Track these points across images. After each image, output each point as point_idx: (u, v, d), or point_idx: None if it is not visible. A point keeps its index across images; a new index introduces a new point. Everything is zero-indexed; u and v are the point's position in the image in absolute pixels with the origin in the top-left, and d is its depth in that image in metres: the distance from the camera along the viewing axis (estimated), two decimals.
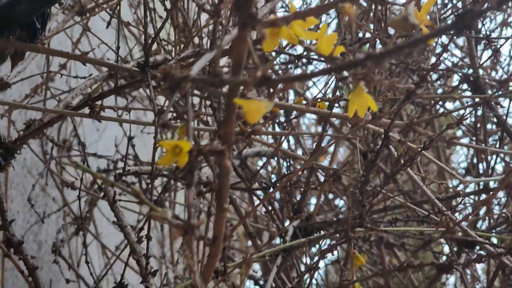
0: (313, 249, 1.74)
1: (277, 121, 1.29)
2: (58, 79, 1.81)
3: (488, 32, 1.64)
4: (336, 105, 1.15)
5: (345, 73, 1.46)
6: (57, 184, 1.80)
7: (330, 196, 1.97)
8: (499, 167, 1.87)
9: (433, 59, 1.36)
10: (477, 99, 1.37)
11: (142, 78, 1.07)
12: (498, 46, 1.30)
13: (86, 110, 1.15)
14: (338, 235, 1.15)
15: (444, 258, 1.87)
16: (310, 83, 1.87)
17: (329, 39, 0.74)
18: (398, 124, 1.03)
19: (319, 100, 1.10)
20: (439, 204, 1.12)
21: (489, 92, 1.61)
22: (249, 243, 2.12)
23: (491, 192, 1.41)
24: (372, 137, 1.07)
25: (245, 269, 0.92)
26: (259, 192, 1.54)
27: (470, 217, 1.22)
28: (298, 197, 1.57)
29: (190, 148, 0.62)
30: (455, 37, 1.18)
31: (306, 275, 1.31)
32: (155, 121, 0.91)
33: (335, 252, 1.40)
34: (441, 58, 1.21)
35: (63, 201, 1.86)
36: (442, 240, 2.27)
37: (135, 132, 1.52)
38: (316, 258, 1.07)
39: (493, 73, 2.00)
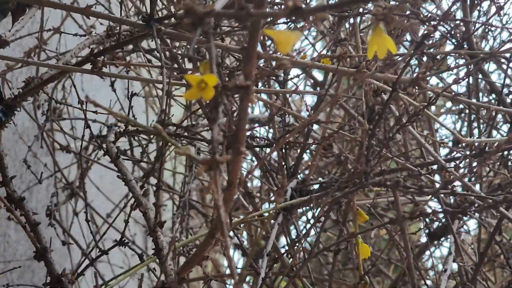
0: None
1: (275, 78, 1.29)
2: (50, 45, 1.79)
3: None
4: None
5: (342, 36, 1.47)
6: (49, 149, 1.79)
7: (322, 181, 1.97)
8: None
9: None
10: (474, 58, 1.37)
11: (147, 31, 1.06)
12: (502, 3, 1.31)
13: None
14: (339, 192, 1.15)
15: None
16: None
17: None
18: (404, 80, 1.03)
19: (323, 56, 1.10)
20: (442, 162, 1.13)
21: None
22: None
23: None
24: (375, 93, 1.07)
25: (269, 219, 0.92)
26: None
27: (469, 174, 1.23)
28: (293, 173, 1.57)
29: (216, 83, 0.62)
30: None
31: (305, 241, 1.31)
32: (163, 67, 0.91)
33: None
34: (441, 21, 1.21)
35: (54, 168, 1.85)
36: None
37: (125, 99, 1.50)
38: (326, 208, 1.07)
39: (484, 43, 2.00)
